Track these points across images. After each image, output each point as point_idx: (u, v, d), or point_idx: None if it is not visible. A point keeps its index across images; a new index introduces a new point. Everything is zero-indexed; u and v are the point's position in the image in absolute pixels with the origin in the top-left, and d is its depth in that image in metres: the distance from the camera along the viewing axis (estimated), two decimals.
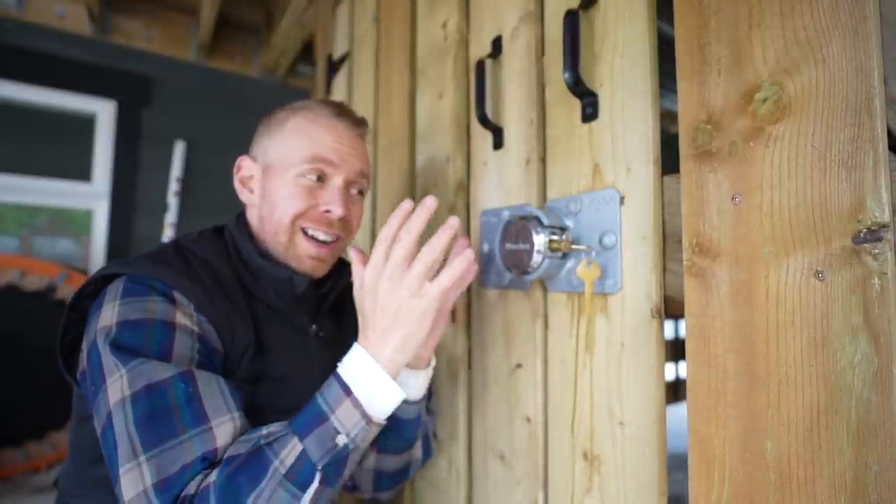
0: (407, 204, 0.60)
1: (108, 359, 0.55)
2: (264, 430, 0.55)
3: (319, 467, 0.51)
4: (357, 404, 0.54)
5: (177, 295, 0.62)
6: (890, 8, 0.45)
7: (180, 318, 0.60)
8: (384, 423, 0.58)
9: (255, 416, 0.65)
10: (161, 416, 0.52)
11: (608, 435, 0.63)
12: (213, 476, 0.50)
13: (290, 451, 0.52)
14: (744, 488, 0.47)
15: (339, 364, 0.58)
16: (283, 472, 0.51)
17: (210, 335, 0.62)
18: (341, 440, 0.53)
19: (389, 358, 0.56)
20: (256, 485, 0.50)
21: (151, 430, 0.51)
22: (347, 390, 0.55)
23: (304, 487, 0.51)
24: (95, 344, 0.57)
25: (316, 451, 0.52)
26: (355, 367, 0.56)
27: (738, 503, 0.48)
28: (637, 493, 0.59)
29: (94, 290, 0.66)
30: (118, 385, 0.53)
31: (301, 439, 0.52)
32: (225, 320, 0.63)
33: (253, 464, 0.51)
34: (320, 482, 0.51)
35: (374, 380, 0.55)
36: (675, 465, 0.75)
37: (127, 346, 0.55)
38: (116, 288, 0.62)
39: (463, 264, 0.57)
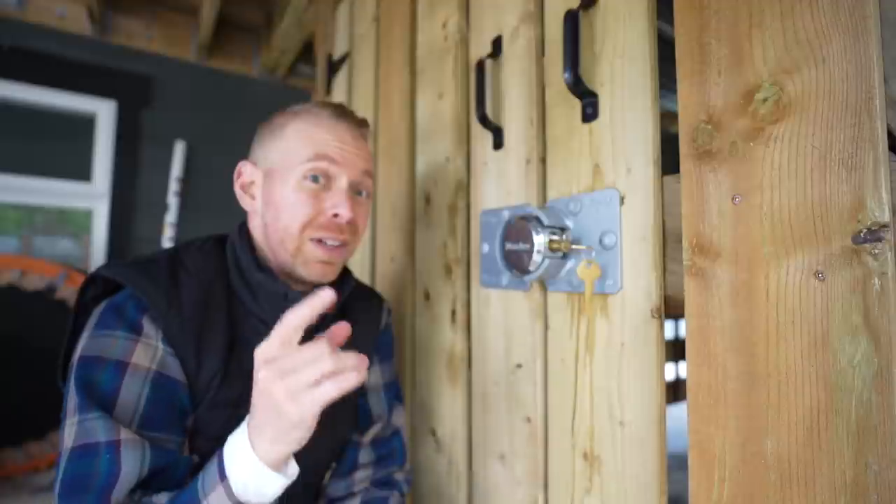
0: (328, 294, 0.54)
1: (72, 397, 0.57)
2: (154, 499, 0.56)
3: None
4: (230, 493, 0.52)
5: (145, 323, 0.62)
6: (890, 8, 0.45)
7: (137, 357, 0.60)
8: (272, 501, 0.56)
9: None
10: (78, 484, 0.53)
11: (608, 435, 0.63)
12: None
13: None
14: (744, 488, 0.47)
15: (229, 437, 0.56)
16: None
17: (171, 367, 0.62)
18: None
19: (266, 449, 0.53)
20: None
21: (67, 495, 0.53)
22: (223, 474, 0.53)
23: None
24: (71, 371, 0.59)
25: None
26: (235, 450, 0.54)
27: (738, 503, 0.48)
28: (637, 493, 0.59)
29: (93, 294, 0.67)
30: (70, 430, 0.55)
31: None
32: (191, 351, 0.63)
33: None
34: None
35: (251, 468, 0.53)
36: (675, 465, 0.75)
37: (86, 384, 0.57)
38: (97, 314, 0.63)
39: (345, 383, 0.50)
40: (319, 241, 0.71)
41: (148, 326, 0.62)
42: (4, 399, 1.90)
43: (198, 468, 0.60)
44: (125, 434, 0.56)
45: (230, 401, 0.66)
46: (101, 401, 0.57)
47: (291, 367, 0.50)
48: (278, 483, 0.54)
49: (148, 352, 0.61)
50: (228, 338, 0.67)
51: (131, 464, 0.55)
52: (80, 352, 0.59)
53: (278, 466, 0.53)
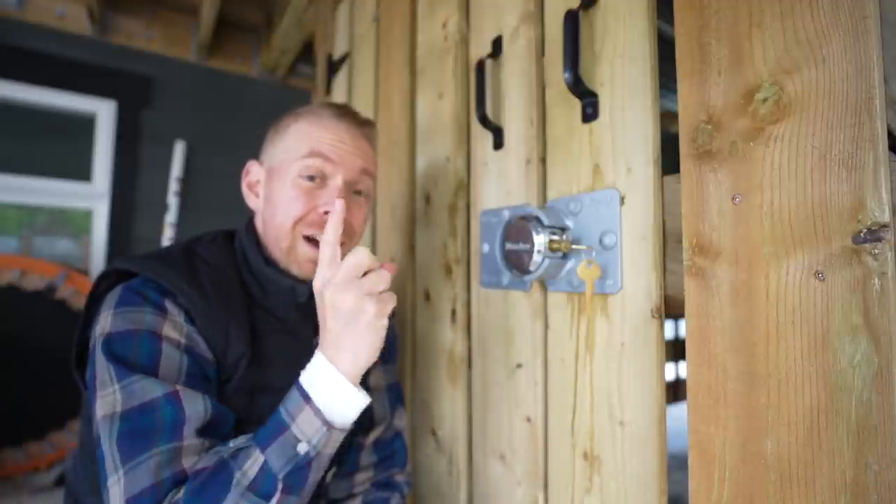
0: (340, 204, 0.61)
1: (102, 369, 0.57)
2: (231, 444, 0.56)
3: (280, 477, 0.52)
4: (317, 412, 0.54)
5: (168, 304, 0.62)
6: (890, 8, 0.45)
7: (167, 330, 0.60)
8: (350, 427, 0.58)
9: (257, 428, 0.65)
10: (142, 434, 0.54)
11: (608, 435, 0.63)
12: (181, 493, 0.52)
13: (253, 462, 0.53)
14: (744, 488, 0.47)
15: (301, 372, 0.58)
16: (246, 483, 0.52)
17: (199, 345, 0.63)
18: (302, 448, 0.53)
19: (347, 362, 0.56)
20: (221, 497, 0.51)
21: (129, 447, 0.53)
22: (307, 397, 0.55)
23: (267, 498, 0.52)
24: (95, 350, 0.59)
25: (277, 461, 0.53)
26: (315, 373, 0.56)
27: (738, 503, 0.48)
28: (637, 493, 0.59)
29: (107, 286, 0.67)
30: (110, 399, 0.55)
31: (262, 450, 0.53)
32: (218, 330, 0.64)
33: (217, 477, 0.52)
34: (283, 492, 0.52)
35: (334, 386, 0.55)
36: (675, 465, 0.75)
37: (120, 356, 0.57)
38: (115, 295, 0.63)
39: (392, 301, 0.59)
40: (312, 239, 0.71)
41: (171, 307, 0.63)
42: (4, 399, 1.90)
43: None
44: (180, 385, 0.57)
45: (250, 387, 0.67)
46: (143, 368, 0.57)
47: (353, 275, 0.56)
48: (359, 401, 0.57)
49: (176, 328, 0.62)
50: (250, 323, 0.68)
51: (194, 407, 0.56)
52: (108, 328, 0.59)
53: (357, 381, 0.56)
